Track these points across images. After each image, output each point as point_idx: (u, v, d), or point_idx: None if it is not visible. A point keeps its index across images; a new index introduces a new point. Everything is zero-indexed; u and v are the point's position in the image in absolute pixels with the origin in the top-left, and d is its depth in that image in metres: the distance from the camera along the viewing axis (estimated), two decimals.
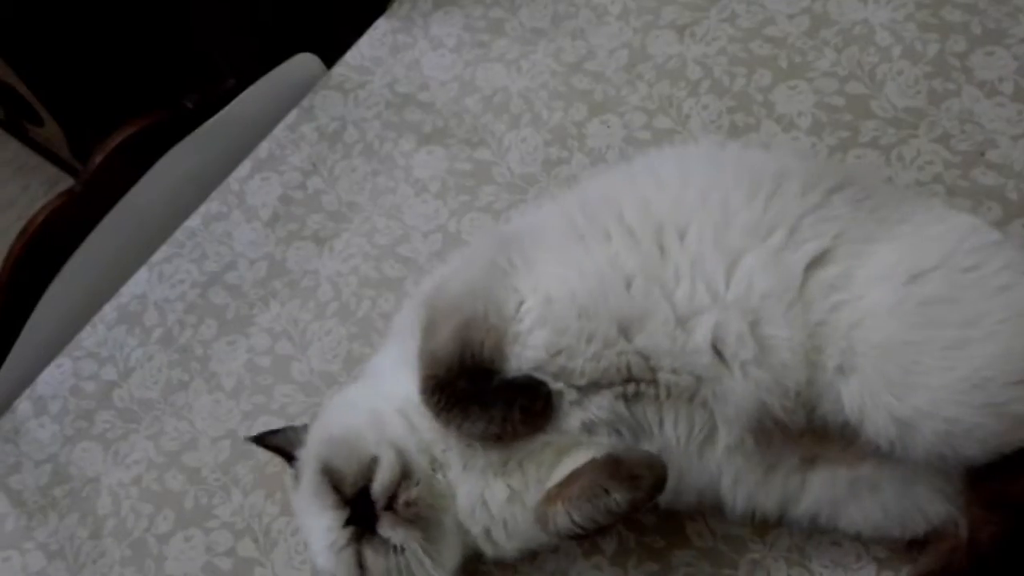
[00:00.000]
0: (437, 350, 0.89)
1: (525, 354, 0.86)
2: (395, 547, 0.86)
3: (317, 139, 1.39)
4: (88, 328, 1.34)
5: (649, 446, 0.87)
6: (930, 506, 0.84)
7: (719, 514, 0.93)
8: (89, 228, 1.34)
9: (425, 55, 1.41)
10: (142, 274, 1.36)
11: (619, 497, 0.82)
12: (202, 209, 1.39)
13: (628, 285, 0.86)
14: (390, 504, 0.87)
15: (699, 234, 0.86)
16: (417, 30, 1.43)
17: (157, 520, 1.17)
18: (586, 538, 0.91)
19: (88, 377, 1.31)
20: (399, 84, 1.40)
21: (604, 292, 0.86)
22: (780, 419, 0.83)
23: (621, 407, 0.87)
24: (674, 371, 0.85)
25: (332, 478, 0.89)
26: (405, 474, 0.88)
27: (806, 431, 0.85)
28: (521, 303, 0.88)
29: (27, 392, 1.32)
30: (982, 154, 1.09)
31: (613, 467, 0.84)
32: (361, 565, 0.88)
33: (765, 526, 0.94)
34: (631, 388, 0.86)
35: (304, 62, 1.44)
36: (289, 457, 0.98)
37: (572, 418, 0.87)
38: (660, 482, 0.83)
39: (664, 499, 0.88)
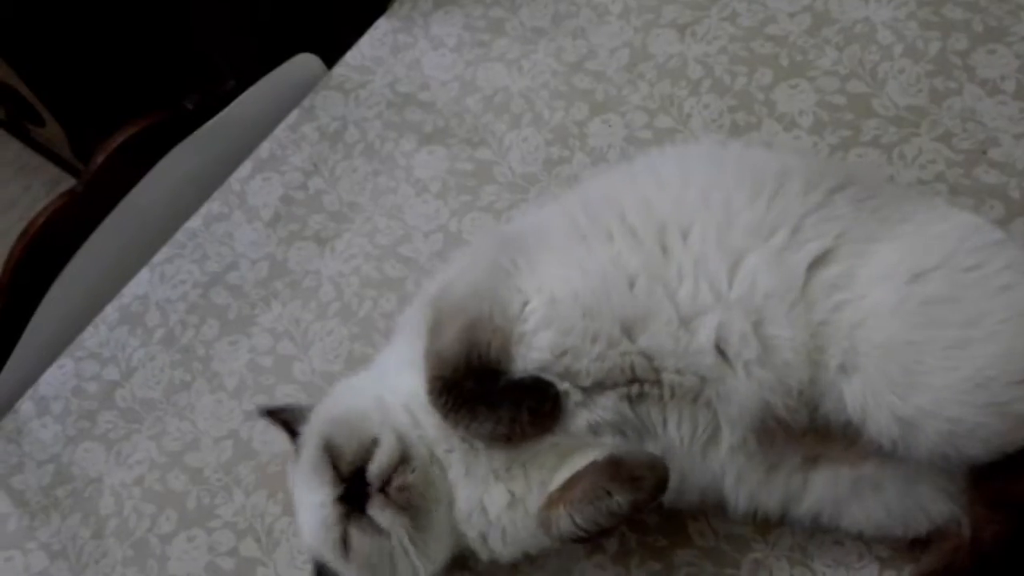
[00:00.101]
0: (443, 351, 0.89)
1: (530, 355, 0.86)
2: (382, 530, 0.86)
3: (318, 139, 1.39)
4: (90, 329, 1.35)
5: (653, 447, 0.87)
6: (933, 505, 0.84)
7: (721, 513, 0.93)
8: (91, 228, 1.34)
9: (426, 55, 1.41)
10: (144, 274, 1.36)
11: (621, 499, 0.82)
12: (203, 209, 1.39)
13: (631, 285, 0.86)
14: (384, 487, 0.87)
15: (702, 234, 0.86)
16: (418, 30, 1.43)
17: (159, 520, 1.17)
18: (588, 541, 0.91)
19: (90, 377, 1.31)
20: (400, 84, 1.40)
21: (607, 292, 0.86)
22: (783, 418, 0.83)
23: (626, 408, 0.87)
24: (678, 371, 0.85)
25: (331, 455, 0.90)
26: (404, 459, 0.88)
27: (808, 430, 0.85)
28: (525, 304, 0.88)
29: (29, 392, 1.32)
30: (984, 152, 1.09)
31: (614, 469, 0.84)
32: (346, 544, 0.88)
33: (767, 525, 0.94)
34: (635, 389, 0.86)
35: (305, 62, 1.44)
36: (293, 433, 0.99)
37: (578, 419, 0.87)
38: (662, 483, 0.83)
39: (667, 499, 0.88)
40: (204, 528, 1.15)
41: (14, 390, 1.32)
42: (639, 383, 0.86)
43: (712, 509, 0.95)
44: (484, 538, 0.92)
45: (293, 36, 1.47)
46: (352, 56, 1.44)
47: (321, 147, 1.38)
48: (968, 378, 0.77)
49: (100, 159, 1.32)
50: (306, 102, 1.42)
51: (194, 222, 1.38)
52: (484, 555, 0.93)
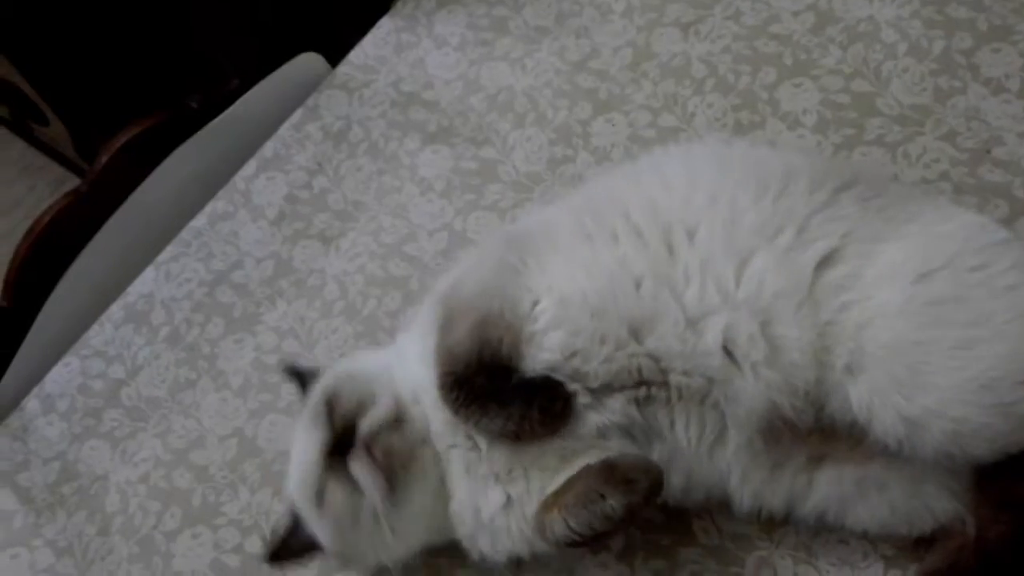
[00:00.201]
0: (454, 347, 0.88)
1: (540, 356, 0.86)
2: (357, 487, 0.86)
3: (322, 138, 1.39)
4: (95, 327, 1.35)
5: (660, 448, 0.87)
6: (938, 504, 0.83)
7: (726, 512, 0.93)
8: (96, 228, 1.34)
9: (429, 54, 1.41)
10: (149, 273, 1.37)
11: (614, 502, 0.81)
12: (208, 208, 1.39)
13: (637, 286, 0.86)
14: (370, 445, 0.87)
15: (708, 234, 0.86)
16: (421, 29, 1.43)
17: (165, 517, 1.17)
18: (585, 545, 0.89)
19: (96, 375, 1.31)
20: (403, 83, 1.40)
21: (614, 294, 0.86)
22: (789, 419, 0.83)
23: (633, 411, 0.86)
24: (685, 373, 0.84)
25: (330, 407, 0.90)
26: (396, 423, 0.88)
27: (814, 430, 0.85)
28: (535, 303, 0.88)
29: (35, 390, 1.32)
30: (989, 151, 1.09)
31: (608, 472, 0.83)
32: (322, 496, 0.88)
33: (772, 524, 0.94)
34: (643, 391, 0.86)
35: (308, 61, 1.44)
36: (305, 387, 1.00)
37: (587, 422, 0.87)
38: (656, 486, 0.83)
39: (672, 498, 0.89)
40: (209, 525, 1.15)
41: (20, 388, 1.32)
42: (647, 385, 0.85)
43: (717, 507, 0.95)
44: (473, 539, 0.92)
45: (296, 35, 1.47)
46: (356, 55, 1.44)
47: (325, 146, 1.38)
48: (974, 378, 0.77)
49: (104, 158, 1.33)
50: (310, 101, 1.42)
51: (199, 221, 1.39)
52: (474, 554, 0.93)
